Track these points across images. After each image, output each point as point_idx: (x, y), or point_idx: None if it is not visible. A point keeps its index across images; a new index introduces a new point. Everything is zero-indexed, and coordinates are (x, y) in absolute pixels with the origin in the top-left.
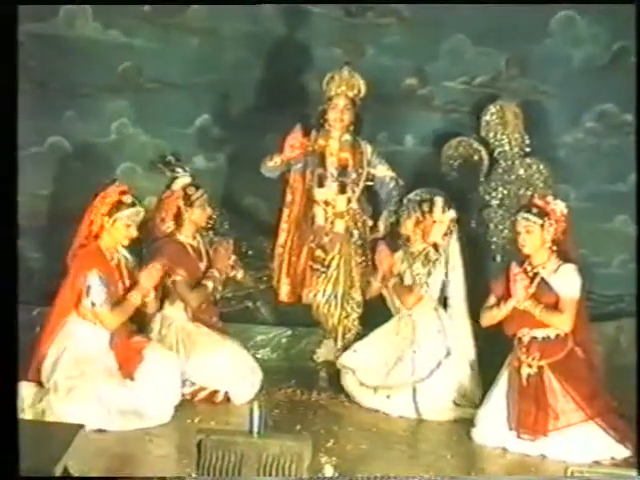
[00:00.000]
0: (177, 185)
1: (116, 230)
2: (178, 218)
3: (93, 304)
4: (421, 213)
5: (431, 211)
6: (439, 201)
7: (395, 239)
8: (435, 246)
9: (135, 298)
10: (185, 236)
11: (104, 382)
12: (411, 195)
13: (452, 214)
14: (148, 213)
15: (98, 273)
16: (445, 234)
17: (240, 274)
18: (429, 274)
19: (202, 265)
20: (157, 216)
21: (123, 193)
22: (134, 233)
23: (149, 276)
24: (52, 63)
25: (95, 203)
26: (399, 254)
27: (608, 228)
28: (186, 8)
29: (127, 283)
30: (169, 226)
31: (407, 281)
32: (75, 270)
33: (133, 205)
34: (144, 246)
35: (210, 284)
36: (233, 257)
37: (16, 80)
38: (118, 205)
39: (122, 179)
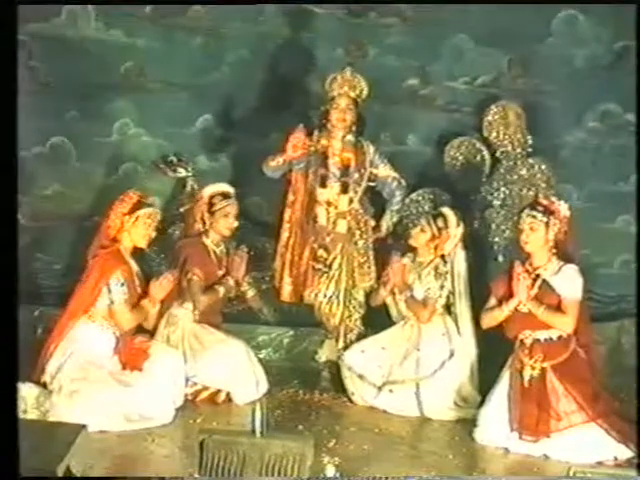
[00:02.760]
0: (206, 192)
1: (137, 229)
2: (204, 223)
3: (112, 302)
4: (437, 229)
5: (447, 226)
6: (450, 215)
7: (398, 240)
8: (443, 257)
9: (148, 305)
10: (211, 241)
11: (107, 386)
12: (413, 195)
13: (462, 225)
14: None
15: (121, 274)
16: (455, 244)
17: (251, 292)
18: (442, 287)
19: (220, 273)
20: (190, 216)
21: (141, 197)
22: (153, 234)
23: (160, 286)
24: (54, 63)
25: (113, 207)
26: (406, 260)
27: (610, 228)
28: (188, 8)
29: (139, 291)
30: (199, 228)
31: (417, 293)
32: (97, 270)
33: (151, 206)
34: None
35: (222, 289)
36: (247, 277)
37: (16, 80)
38: (139, 204)
39: (124, 179)
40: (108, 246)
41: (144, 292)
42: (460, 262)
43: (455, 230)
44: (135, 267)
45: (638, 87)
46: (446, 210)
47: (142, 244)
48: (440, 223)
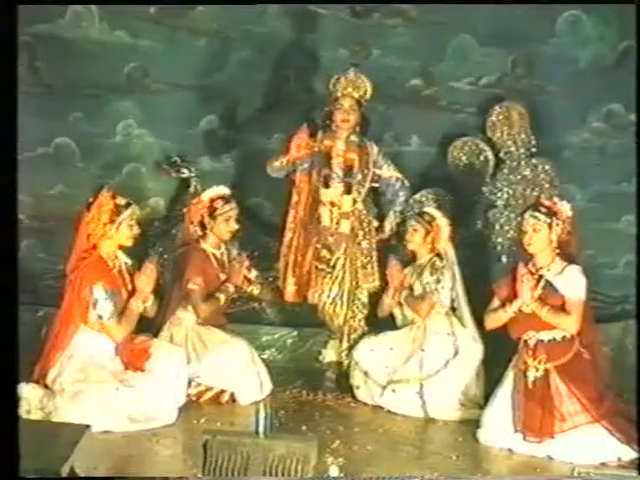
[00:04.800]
0: (206, 195)
1: (121, 233)
2: (203, 227)
3: (100, 317)
4: (428, 223)
5: (434, 218)
6: (431, 210)
7: (401, 241)
8: (439, 254)
9: (137, 305)
10: (209, 245)
11: (110, 386)
12: (417, 196)
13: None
14: (151, 212)
15: (104, 286)
16: (447, 237)
17: (257, 289)
18: (438, 281)
19: (222, 276)
20: (186, 220)
21: (114, 197)
22: (137, 231)
23: (146, 278)
24: (58, 64)
25: (90, 215)
26: (408, 269)
27: (614, 229)
28: (192, 9)
29: (129, 288)
30: (196, 231)
31: (417, 292)
32: (80, 283)
33: (128, 205)
34: (151, 246)
35: (222, 297)
36: (254, 273)
37: (16, 81)
38: (116, 210)
39: (128, 180)
40: (87, 256)
41: (134, 287)
42: (452, 256)
43: (442, 220)
44: (122, 259)
45: (636, 87)
46: (425, 208)
47: (128, 244)
48: (427, 217)
